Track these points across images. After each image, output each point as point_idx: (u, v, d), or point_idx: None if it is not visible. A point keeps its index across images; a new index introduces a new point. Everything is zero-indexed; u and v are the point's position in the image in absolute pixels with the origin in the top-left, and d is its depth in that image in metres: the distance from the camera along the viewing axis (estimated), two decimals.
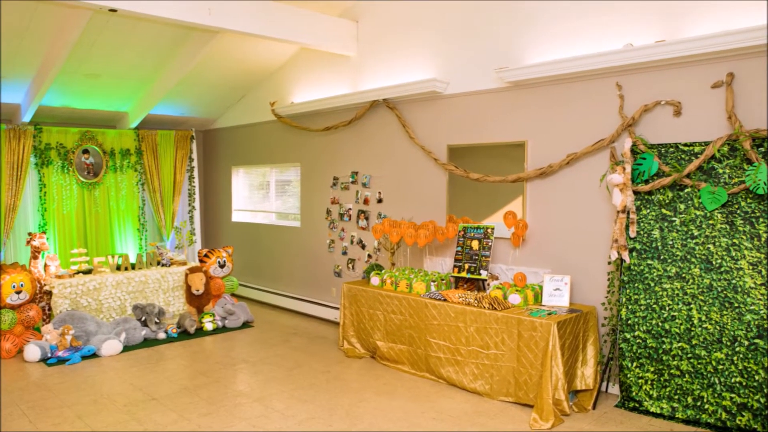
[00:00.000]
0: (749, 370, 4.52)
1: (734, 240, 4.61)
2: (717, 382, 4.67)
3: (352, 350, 6.71)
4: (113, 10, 5.86)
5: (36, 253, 7.45)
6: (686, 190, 4.85)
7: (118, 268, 7.89)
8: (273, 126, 9.45)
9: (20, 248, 8.87)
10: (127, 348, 7.01)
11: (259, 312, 9.06)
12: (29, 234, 7.57)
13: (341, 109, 8.06)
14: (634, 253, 5.14)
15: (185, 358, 6.70)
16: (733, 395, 4.59)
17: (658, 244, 5.00)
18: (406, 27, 7.18)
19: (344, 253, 8.20)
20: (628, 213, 5.11)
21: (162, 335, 7.41)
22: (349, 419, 4.95)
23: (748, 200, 4.55)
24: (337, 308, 8.06)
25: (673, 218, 4.92)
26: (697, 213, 4.79)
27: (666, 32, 4.95)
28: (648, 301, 5.04)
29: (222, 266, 8.31)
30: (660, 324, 4.97)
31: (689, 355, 4.81)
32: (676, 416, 4.85)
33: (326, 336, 7.63)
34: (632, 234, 5.11)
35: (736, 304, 4.59)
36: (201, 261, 8.32)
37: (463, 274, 6.21)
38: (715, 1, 4.68)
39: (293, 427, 4.81)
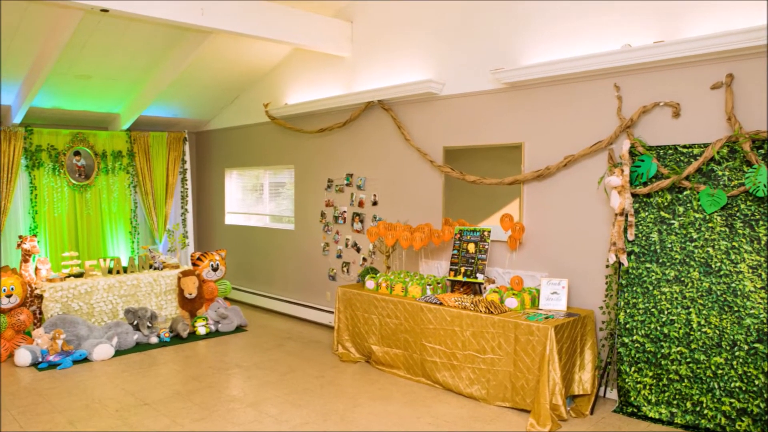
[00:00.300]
0: (749, 374, 4.47)
1: (734, 243, 4.57)
2: (716, 386, 4.62)
3: (346, 355, 6.64)
4: (105, 11, 5.81)
5: (27, 256, 7.38)
6: (685, 193, 4.80)
7: (110, 271, 7.81)
8: (267, 127, 9.38)
9: (11, 251, 8.77)
10: (118, 352, 6.94)
11: (252, 316, 8.99)
12: (20, 237, 7.50)
13: (336, 111, 8.00)
14: (632, 257, 5.09)
15: (178, 362, 6.63)
16: (732, 400, 4.55)
17: (657, 247, 4.95)
18: (401, 27, 7.13)
19: (339, 257, 8.14)
20: (627, 216, 5.06)
21: (154, 339, 7.34)
22: (344, 424, 4.90)
23: (748, 203, 4.50)
24: (332, 312, 7.99)
25: (672, 221, 4.87)
26: (697, 216, 4.74)
27: (665, 32, 4.91)
28: (646, 304, 4.99)
29: (215, 269, 8.24)
30: (659, 328, 4.92)
31: (688, 360, 4.76)
32: (675, 421, 4.80)
33: (320, 340, 7.57)
34: (630, 237, 5.06)
35: (736, 308, 4.55)
36: (194, 264, 8.25)
37: (459, 278, 6.15)
38: (715, 1, 4.64)
39: None
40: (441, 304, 5.73)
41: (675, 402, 4.82)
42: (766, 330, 4.41)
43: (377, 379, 6.03)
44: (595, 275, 5.49)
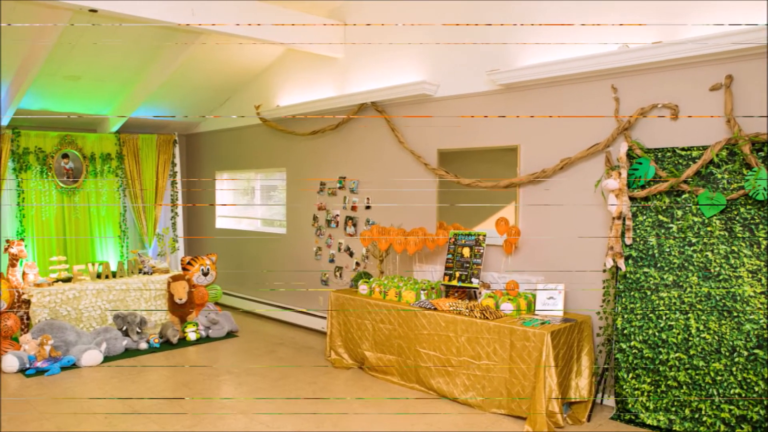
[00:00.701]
0: (749, 381, 4.42)
1: (733, 247, 4.51)
2: (715, 393, 4.56)
3: (339, 361, 6.56)
4: (93, 11, 5.72)
5: (14, 260, 7.27)
6: (684, 196, 4.75)
7: (99, 276, 7.70)
8: (258, 130, 9.29)
9: None
10: (107, 358, 6.84)
11: (243, 321, 8.89)
12: (7, 241, 7.39)
13: (328, 113, 7.91)
14: (630, 261, 5.03)
15: (168, 368, 6.54)
16: (732, 407, 4.49)
17: (655, 251, 4.89)
18: (395, 28, 7.05)
19: (331, 261, 8.05)
20: (624, 219, 5.00)
21: (144, 345, 7.24)
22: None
23: (748, 206, 4.45)
24: (324, 317, 7.90)
25: (670, 225, 4.82)
26: (695, 219, 4.68)
27: (663, 33, 4.86)
28: (644, 310, 4.93)
29: (205, 274, 8.15)
30: (657, 334, 4.85)
31: (687, 366, 4.70)
32: (674, 428, 4.74)
33: (313, 346, 7.48)
34: (628, 241, 5.00)
35: (735, 313, 4.49)
36: (184, 269, 8.15)
37: (454, 283, 6.08)
38: (714, 1, 4.59)
39: None
40: (435, 309, 5.65)
41: (673, 409, 4.76)
42: (766, 336, 4.36)
43: (370, 385, 5.95)
44: (592, 280, 5.42)
